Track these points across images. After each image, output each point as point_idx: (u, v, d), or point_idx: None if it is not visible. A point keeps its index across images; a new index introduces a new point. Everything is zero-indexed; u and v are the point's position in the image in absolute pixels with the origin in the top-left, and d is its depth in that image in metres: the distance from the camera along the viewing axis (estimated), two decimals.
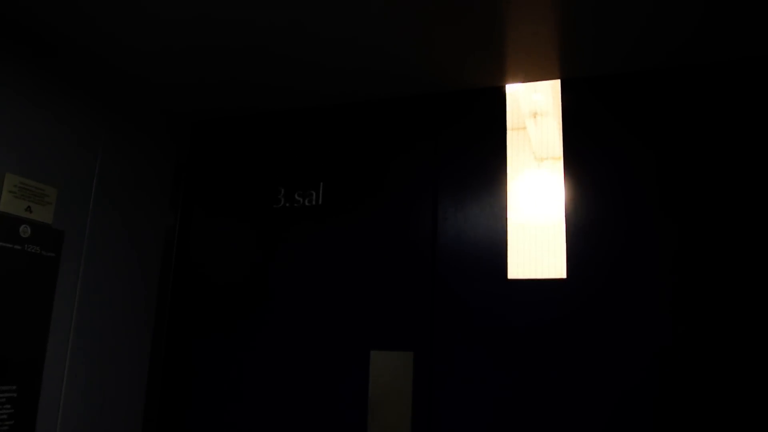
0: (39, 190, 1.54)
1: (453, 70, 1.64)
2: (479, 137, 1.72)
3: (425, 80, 1.71)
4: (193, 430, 1.81)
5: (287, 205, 1.87)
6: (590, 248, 1.55)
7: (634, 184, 1.56)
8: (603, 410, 1.46)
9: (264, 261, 1.85)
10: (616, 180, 1.57)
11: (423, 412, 1.59)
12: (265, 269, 1.84)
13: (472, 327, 1.60)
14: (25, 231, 1.50)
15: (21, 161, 1.50)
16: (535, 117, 1.73)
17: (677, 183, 1.53)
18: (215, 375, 1.82)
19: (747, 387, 1.37)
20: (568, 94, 1.66)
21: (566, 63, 1.58)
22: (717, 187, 1.50)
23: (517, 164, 1.66)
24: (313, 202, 1.84)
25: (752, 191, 1.46)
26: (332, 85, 1.76)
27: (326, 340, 1.73)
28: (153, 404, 1.88)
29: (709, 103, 1.54)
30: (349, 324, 1.72)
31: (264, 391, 1.76)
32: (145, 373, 1.87)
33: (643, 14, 1.36)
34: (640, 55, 1.53)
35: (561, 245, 1.56)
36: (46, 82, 1.59)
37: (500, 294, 1.59)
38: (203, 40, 1.53)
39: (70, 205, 1.63)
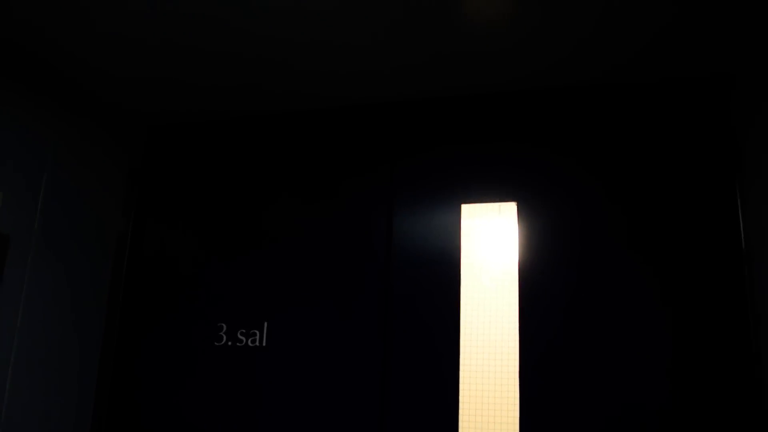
0: None
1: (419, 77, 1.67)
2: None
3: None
4: None
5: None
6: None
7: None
8: None
9: (214, 262, 1.84)
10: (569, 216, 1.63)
11: None
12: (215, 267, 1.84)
13: None
14: None
15: None
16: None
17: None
18: (164, 383, 1.80)
19: None
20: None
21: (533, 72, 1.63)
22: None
23: None
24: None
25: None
26: (296, 87, 1.77)
27: None
28: (102, 412, 1.84)
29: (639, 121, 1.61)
30: None
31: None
32: (94, 381, 1.83)
33: (589, 24, 1.41)
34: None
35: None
36: None
37: None
38: (160, 33, 1.52)
39: (16, 210, 1.59)
